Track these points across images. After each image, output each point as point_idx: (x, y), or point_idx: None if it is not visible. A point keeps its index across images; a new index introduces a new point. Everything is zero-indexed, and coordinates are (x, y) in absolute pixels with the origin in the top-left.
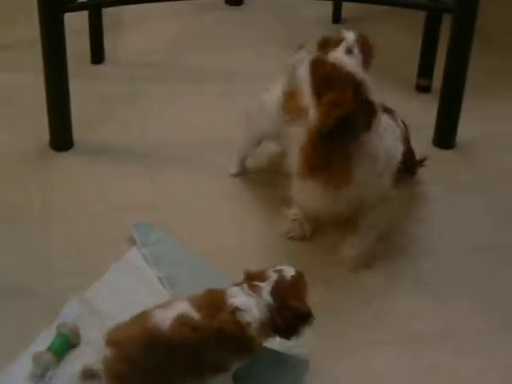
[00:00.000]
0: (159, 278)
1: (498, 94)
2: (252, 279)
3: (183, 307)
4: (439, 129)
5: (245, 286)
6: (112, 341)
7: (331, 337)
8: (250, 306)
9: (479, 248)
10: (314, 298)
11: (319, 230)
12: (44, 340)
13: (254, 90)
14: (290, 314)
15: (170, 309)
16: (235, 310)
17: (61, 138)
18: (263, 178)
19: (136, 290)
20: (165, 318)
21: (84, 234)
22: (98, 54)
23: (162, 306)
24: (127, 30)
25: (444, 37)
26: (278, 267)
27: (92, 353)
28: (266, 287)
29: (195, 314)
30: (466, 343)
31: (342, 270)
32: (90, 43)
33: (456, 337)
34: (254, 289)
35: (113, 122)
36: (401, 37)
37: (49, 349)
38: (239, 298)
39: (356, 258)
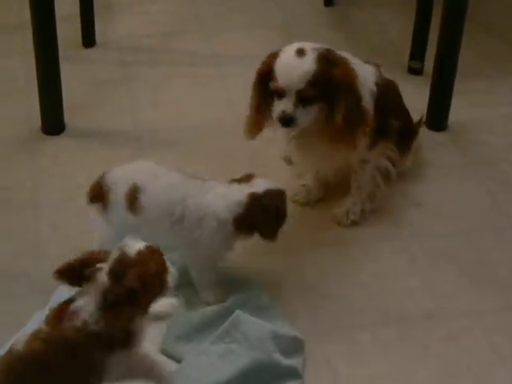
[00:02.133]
0: None
1: (490, 77)
2: (92, 261)
3: (38, 326)
4: (431, 111)
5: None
6: None
7: (322, 318)
8: (84, 303)
9: (471, 230)
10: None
11: (322, 201)
12: (36, 323)
13: (246, 74)
14: (119, 289)
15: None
16: (73, 316)
17: (52, 121)
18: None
19: None
20: (19, 340)
21: (74, 217)
22: (89, 38)
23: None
24: (118, 14)
25: (436, 20)
26: (124, 243)
27: None
28: (104, 268)
29: (45, 328)
30: (458, 324)
31: (331, 250)
32: (81, 27)
33: (447, 318)
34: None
35: (104, 106)
36: (393, 19)
37: None
38: (76, 302)
39: (344, 214)
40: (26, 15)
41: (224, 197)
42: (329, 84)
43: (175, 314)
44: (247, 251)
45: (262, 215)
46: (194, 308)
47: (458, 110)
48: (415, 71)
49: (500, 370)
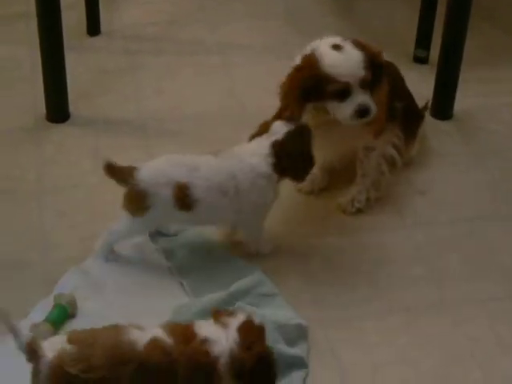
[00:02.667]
0: (157, 250)
1: (496, 66)
2: (219, 316)
3: (157, 332)
4: (437, 100)
5: (211, 321)
6: (77, 339)
7: (327, 306)
8: (220, 336)
9: (475, 219)
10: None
11: (327, 190)
12: (41, 311)
13: (250, 63)
14: (251, 359)
15: (145, 331)
16: (205, 340)
17: (57, 110)
18: None
19: (134, 263)
20: (139, 338)
21: (79, 205)
22: (94, 27)
23: (137, 327)
24: (123, 3)
25: (441, 8)
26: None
27: (89, 324)
28: (233, 323)
29: (168, 340)
30: (462, 312)
31: (332, 240)
32: (86, 15)
33: (452, 307)
34: (221, 324)
35: (109, 95)
36: (398, 8)
37: (46, 320)
38: (207, 328)
39: (349, 202)
40: (31, 4)
41: (256, 154)
42: (374, 66)
43: None
44: None
45: (288, 161)
46: (200, 294)
47: (464, 99)
48: (421, 60)
49: (504, 358)
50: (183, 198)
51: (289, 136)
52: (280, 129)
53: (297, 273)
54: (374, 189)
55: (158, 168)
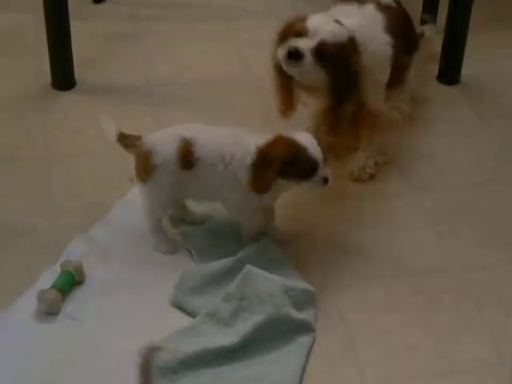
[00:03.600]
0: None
1: (503, 30)
2: None
3: None
4: (443, 64)
5: None
6: None
7: (334, 271)
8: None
9: (482, 183)
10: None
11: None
12: (48, 278)
13: (257, 28)
14: None
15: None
16: None
17: (63, 77)
18: None
19: (140, 229)
20: None
21: (86, 172)
22: None
23: None
24: None
25: None
26: None
27: (97, 290)
28: None
29: None
30: (469, 277)
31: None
32: None
33: (457, 271)
34: None
35: (115, 62)
36: None
37: (53, 286)
38: None
39: (361, 169)
40: None
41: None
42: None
43: None
44: None
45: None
46: (208, 262)
47: (471, 64)
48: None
49: None
50: (187, 154)
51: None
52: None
53: (305, 237)
54: (381, 153)
55: (165, 131)
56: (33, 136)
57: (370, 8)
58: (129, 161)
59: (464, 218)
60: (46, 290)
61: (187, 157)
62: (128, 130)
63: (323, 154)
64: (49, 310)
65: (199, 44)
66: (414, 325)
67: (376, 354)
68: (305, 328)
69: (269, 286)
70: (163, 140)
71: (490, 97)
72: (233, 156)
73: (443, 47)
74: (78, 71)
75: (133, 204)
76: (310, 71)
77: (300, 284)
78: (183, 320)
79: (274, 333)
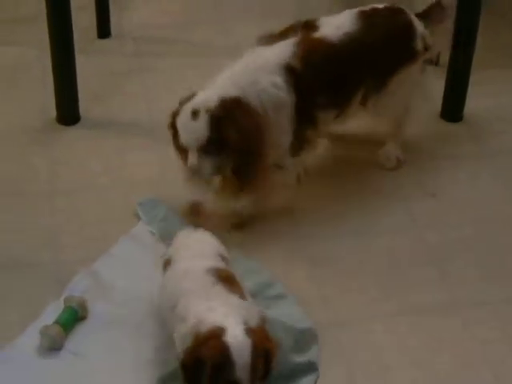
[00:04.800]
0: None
1: (507, 67)
2: None
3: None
4: (447, 102)
5: None
6: None
7: (337, 308)
8: None
9: (486, 220)
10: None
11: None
12: (51, 313)
13: None
14: None
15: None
16: None
17: (67, 112)
18: None
19: (143, 264)
20: None
21: (90, 208)
22: (104, 29)
23: None
24: (133, 4)
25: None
26: None
27: (100, 325)
28: None
29: None
30: (473, 315)
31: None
32: (96, 18)
33: (463, 308)
34: None
35: (119, 97)
36: None
37: (56, 322)
38: None
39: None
40: (42, 6)
41: None
42: (224, 143)
43: None
44: (254, 240)
45: None
46: None
47: (474, 101)
48: (431, 61)
49: None
50: None
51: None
52: None
53: (306, 274)
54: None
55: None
56: (37, 170)
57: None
58: (132, 196)
59: (467, 255)
60: (49, 325)
61: None
62: (131, 165)
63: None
64: (52, 346)
65: (202, 80)
66: (416, 363)
67: None
68: (308, 368)
69: (277, 330)
70: None
71: (494, 133)
72: None
73: (446, 85)
74: (83, 106)
75: (136, 239)
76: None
77: (302, 322)
78: None
79: (279, 376)
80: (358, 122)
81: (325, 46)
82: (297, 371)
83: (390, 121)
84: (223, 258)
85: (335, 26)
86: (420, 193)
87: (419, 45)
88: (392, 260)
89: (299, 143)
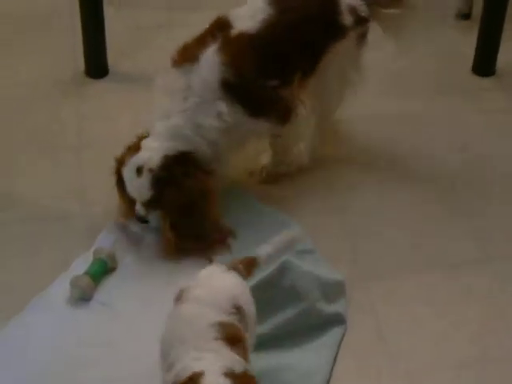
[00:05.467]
0: None
1: None
2: None
3: None
4: (479, 56)
5: None
6: None
7: (366, 261)
8: None
9: None
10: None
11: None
12: (81, 264)
13: None
14: None
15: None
16: None
17: (96, 65)
18: None
19: None
20: None
21: None
22: None
23: None
24: None
25: None
26: None
27: (128, 276)
28: None
29: None
30: (505, 267)
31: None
32: None
33: (493, 261)
34: None
35: (148, 50)
36: None
37: (86, 273)
38: None
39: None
40: None
41: None
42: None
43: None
44: (286, 192)
45: None
46: (239, 250)
47: (506, 55)
48: (463, 16)
49: None
50: None
51: None
52: None
53: (335, 227)
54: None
55: None
56: (65, 122)
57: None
58: None
59: (500, 209)
60: (79, 276)
61: None
62: None
63: None
64: (81, 296)
65: None
66: (445, 316)
67: (407, 346)
68: (336, 320)
69: (305, 280)
70: None
71: None
72: None
73: (479, 38)
74: (111, 59)
75: None
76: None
77: (331, 275)
78: None
79: (306, 326)
80: None
81: (246, 41)
82: (324, 322)
83: (322, 106)
84: (238, 310)
85: (248, 16)
86: (450, 148)
87: (347, 19)
88: (422, 213)
89: (282, 117)
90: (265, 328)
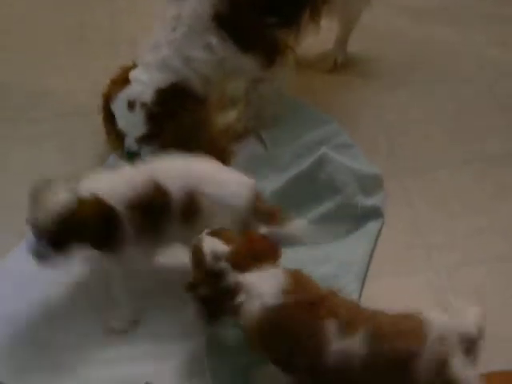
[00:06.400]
0: None
1: None
2: None
3: None
4: None
5: None
6: None
7: (403, 156)
8: None
9: None
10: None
11: None
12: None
13: None
14: None
15: None
16: None
17: None
18: None
19: None
20: None
21: None
22: None
23: None
24: None
25: None
26: None
27: None
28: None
29: None
30: None
31: None
32: None
33: None
34: None
35: None
36: None
37: None
38: None
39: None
40: None
41: None
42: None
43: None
44: (326, 91)
45: None
46: (278, 144)
47: None
48: None
49: None
50: None
51: None
52: None
53: (372, 122)
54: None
55: None
56: (100, 17)
57: None
58: None
59: None
60: None
61: None
62: None
63: None
64: None
65: None
66: (480, 211)
67: (443, 239)
68: (374, 213)
69: (342, 173)
70: None
71: None
72: None
73: None
74: None
75: None
76: None
77: (369, 169)
78: None
79: (343, 219)
80: None
81: None
82: (362, 215)
83: (340, 16)
84: None
85: None
86: (487, 42)
87: None
88: (458, 108)
89: (267, 61)
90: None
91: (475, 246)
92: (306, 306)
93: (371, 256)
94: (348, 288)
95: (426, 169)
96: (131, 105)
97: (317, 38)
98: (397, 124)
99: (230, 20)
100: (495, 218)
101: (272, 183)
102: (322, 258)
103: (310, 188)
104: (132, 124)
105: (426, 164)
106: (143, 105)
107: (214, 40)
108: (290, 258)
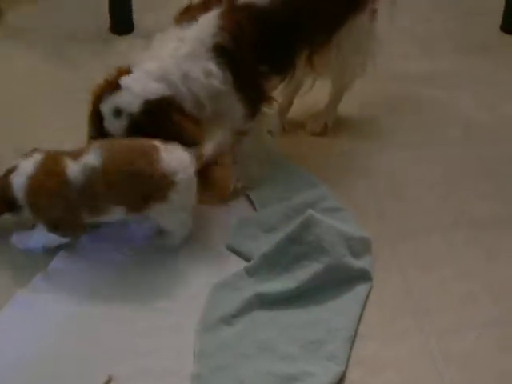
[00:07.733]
0: None
1: None
2: None
3: None
4: (507, 14)
5: None
6: None
7: (392, 220)
8: None
9: None
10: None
11: None
12: None
13: None
14: None
15: None
16: None
17: (121, 21)
18: None
19: None
20: None
21: None
22: None
23: None
24: None
25: None
26: None
27: None
28: None
29: None
30: None
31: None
32: None
33: None
34: None
35: (173, 6)
36: None
37: None
38: None
39: None
40: None
41: None
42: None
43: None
44: (316, 154)
45: None
46: (266, 206)
47: None
48: None
49: None
50: None
51: None
52: None
53: (362, 186)
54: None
55: None
56: (92, 78)
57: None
58: None
59: None
60: None
61: None
62: None
63: None
64: None
65: None
66: (471, 275)
67: (433, 304)
68: (362, 276)
69: (330, 234)
70: None
71: None
72: None
73: None
74: (137, 15)
75: None
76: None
77: (357, 231)
78: (239, 263)
79: (332, 281)
80: None
81: (251, 13)
82: (351, 278)
83: (335, 80)
84: None
85: None
86: (476, 108)
87: None
88: (448, 172)
89: (253, 108)
90: (290, 285)
91: (466, 310)
92: None
93: (359, 320)
94: (335, 353)
95: (416, 232)
96: (118, 113)
97: (309, 97)
98: (386, 187)
99: (227, 54)
100: (485, 283)
101: (260, 244)
102: (313, 321)
103: (298, 249)
104: (115, 130)
105: (415, 227)
106: (130, 114)
107: (213, 68)
108: (283, 319)
